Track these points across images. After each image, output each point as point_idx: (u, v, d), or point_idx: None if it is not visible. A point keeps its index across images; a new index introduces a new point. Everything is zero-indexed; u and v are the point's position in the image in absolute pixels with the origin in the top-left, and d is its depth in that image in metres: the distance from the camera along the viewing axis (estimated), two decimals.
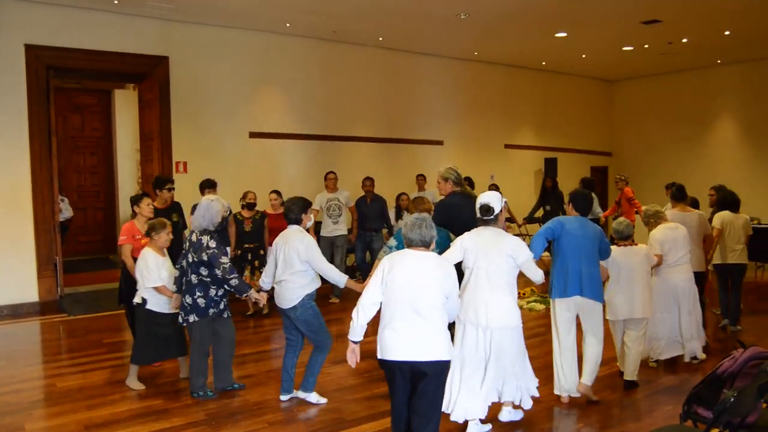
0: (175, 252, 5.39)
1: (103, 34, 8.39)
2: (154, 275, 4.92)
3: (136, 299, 5.04)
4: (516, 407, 4.32)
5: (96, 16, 8.32)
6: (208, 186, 7.31)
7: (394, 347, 3.25)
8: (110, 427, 4.30)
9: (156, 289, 4.95)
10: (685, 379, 5.11)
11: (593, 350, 4.61)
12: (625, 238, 5.06)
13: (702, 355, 5.63)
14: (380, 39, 10.55)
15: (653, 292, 5.25)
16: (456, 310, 3.54)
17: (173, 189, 6.51)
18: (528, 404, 4.27)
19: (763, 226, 10.26)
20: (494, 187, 9.89)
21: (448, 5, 8.64)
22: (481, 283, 4.01)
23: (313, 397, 4.70)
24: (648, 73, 14.26)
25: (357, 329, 3.40)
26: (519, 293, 8.37)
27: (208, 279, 4.63)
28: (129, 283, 5.40)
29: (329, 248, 8.44)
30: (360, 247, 8.74)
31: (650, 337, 5.39)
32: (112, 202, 10.92)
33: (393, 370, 3.30)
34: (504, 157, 13.12)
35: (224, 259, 4.55)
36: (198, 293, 4.64)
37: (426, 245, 3.41)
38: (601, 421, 4.35)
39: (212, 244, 4.56)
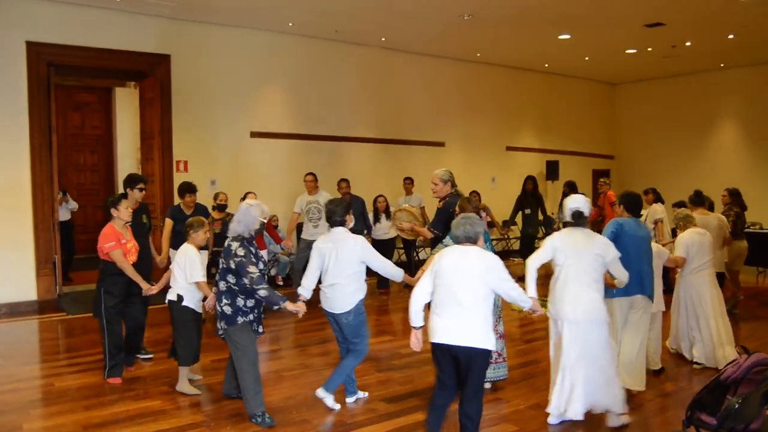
0: (145, 257, 5.69)
1: (105, 32, 8.37)
2: (199, 270, 4.79)
3: (170, 296, 4.88)
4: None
5: (98, 14, 8.30)
6: (188, 191, 6.86)
7: (439, 332, 3.61)
8: (108, 428, 4.27)
9: (198, 284, 4.82)
10: (688, 385, 5.08)
11: (637, 349, 4.83)
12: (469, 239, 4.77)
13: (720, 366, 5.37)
14: (382, 39, 10.53)
15: (675, 294, 5.63)
16: (516, 298, 3.80)
17: (144, 189, 6.00)
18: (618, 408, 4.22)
19: (764, 231, 10.24)
20: (568, 190, 9.67)
21: (451, 6, 8.61)
22: (571, 280, 4.21)
23: (330, 400, 4.59)
24: (651, 77, 14.24)
25: (413, 317, 3.78)
26: None
27: (237, 288, 4.31)
28: (115, 290, 5.20)
29: (308, 251, 8.12)
30: None
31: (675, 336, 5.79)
32: None
33: (438, 352, 3.67)
34: (505, 159, 13.09)
35: (252, 269, 4.22)
36: (225, 301, 4.34)
37: (472, 241, 3.72)
38: (602, 428, 4.31)
39: (240, 251, 4.23)
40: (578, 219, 4.31)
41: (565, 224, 4.39)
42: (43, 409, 4.66)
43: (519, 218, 10.30)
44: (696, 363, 5.60)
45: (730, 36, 10.38)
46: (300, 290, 4.57)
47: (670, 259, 5.56)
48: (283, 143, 10.06)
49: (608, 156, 15.25)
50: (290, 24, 9.45)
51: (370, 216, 9.09)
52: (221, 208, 7.50)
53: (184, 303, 4.86)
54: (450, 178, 5.34)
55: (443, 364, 3.67)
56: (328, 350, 6.11)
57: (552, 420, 4.29)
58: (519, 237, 12.36)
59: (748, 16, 9.15)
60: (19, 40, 7.83)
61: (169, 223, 6.75)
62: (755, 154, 12.94)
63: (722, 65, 12.93)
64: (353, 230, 8.07)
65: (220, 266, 4.38)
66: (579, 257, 4.20)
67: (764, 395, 3.18)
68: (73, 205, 9.12)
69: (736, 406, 3.12)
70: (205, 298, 4.87)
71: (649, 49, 11.29)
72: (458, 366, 3.62)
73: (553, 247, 4.30)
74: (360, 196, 8.69)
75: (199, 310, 4.95)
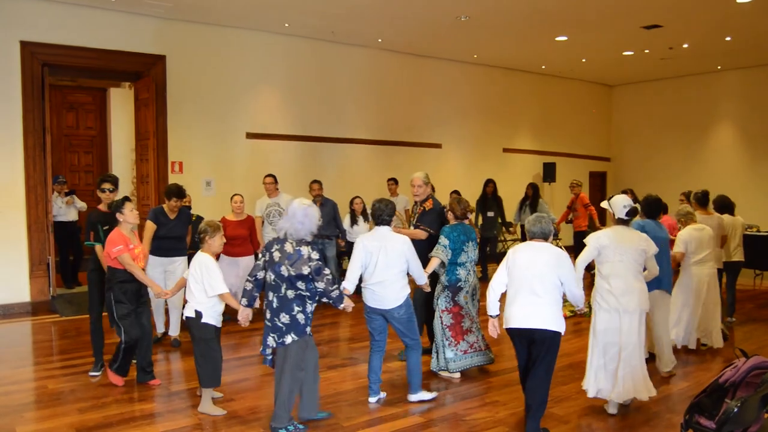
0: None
1: (100, 32, 8.33)
2: (220, 282, 4.44)
3: (188, 312, 4.50)
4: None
5: (93, 14, 8.26)
6: (176, 195, 6.12)
7: (514, 318, 4.04)
8: (102, 431, 4.23)
9: (222, 297, 4.48)
10: (686, 388, 5.06)
11: (665, 339, 5.31)
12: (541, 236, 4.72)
13: (720, 344, 6.19)
14: (379, 40, 10.51)
15: (677, 286, 5.96)
16: (578, 297, 4.18)
17: (113, 191, 5.61)
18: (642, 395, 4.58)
19: (761, 233, 10.23)
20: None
21: (448, 7, 8.59)
22: (618, 272, 4.53)
23: (426, 394, 4.77)
24: (648, 78, 14.25)
25: (490, 306, 4.20)
26: None
27: (306, 293, 4.15)
28: (125, 297, 4.99)
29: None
30: None
31: (679, 324, 6.07)
32: None
33: (514, 336, 4.13)
34: (502, 161, 13.08)
35: (327, 271, 4.20)
36: (297, 308, 4.12)
37: (545, 237, 4.17)
38: (601, 429, 4.29)
39: (315, 255, 4.13)
40: (631, 215, 4.67)
41: (618, 221, 4.71)
42: (36, 411, 4.62)
43: (479, 221, 10.23)
44: (703, 345, 6.19)
45: (728, 38, 10.39)
46: (345, 284, 4.62)
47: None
48: (279, 144, 10.03)
49: (605, 158, 15.25)
50: (286, 25, 9.41)
51: (348, 218, 8.77)
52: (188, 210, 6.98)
53: (204, 320, 4.48)
54: (429, 180, 5.71)
55: (519, 346, 4.15)
56: (324, 352, 6.08)
57: (612, 407, 4.58)
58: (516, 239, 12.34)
59: (746, 19, 9.15)
60: (13, 39, 7.78)
61: (150, 226, 6.02)
62: (752, 157, 12.95)
63: (719, 67, 12.94)
64: (324, 235, 7.92)
65: (281, 273, 4.08)
66: (623, 252, 4.55)
67: (763, 399, 3.16)
68: (81, 205, 9.01)
69: (735, 409, 3.10)
70: (227, 311, 4.59)
71: (646, 51, 11.30)
72: (531, 347, 4.07)
73: (599, 245, 4.61)
74: (331, 199, 8.38)
75: (219, 325, 4.59)
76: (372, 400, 4.75)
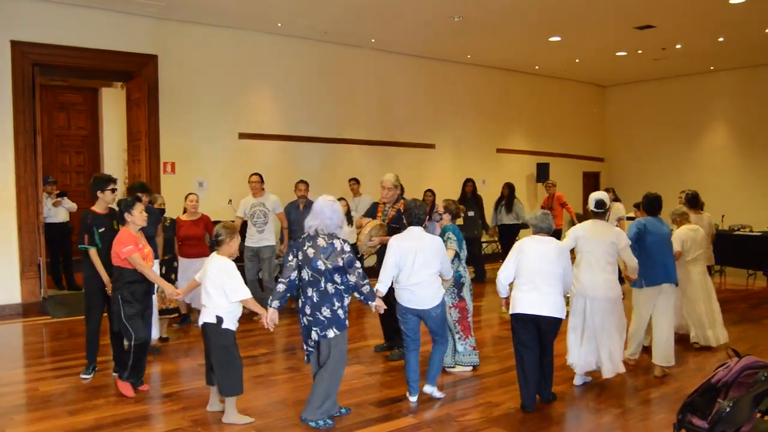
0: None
1: (91, 32, 8.28)
2: (243, 286, 4.32)
3: (208, 318, 4.31)
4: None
5: (84, 13, 8.22)
6: (141, 190, 5.89)
7: (521, 304, 4.52)
8: None
9: (246, 302, 4.34)
10: (679, 388, 5.06)
11: (666, 331, 5.42)
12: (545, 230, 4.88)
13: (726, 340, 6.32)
14: (372, 40, 10.50)
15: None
16: (570, 283, 4.72)
17: (116, 190, 5.44)
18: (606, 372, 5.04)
19: (754, 234, 10.28)
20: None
21: (441, 7, 8.59)
22: (589, 264, 4.97)
23: (437, 391, 4.83)
24: (641, 79, 14.30)
25: (501, 290, 4.76)
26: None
27: (342, 287, 4.23)
28: (134, 298, 4.84)
29: (254, 260, 7.61)
30: None
31: (681, 315, 6.29)
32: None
33: (519, 320, 4.56)
34: (496, 161, 13.09)
35: (358, 264, 4.28)
36: (336, 303, 4.20)
37: (549, 232, 4.65)
38: (593, 430, 4.29)
39: (347, 247, 4.25)
40: (599, 207, 5.08)
41: (592, 214, 5.11)
42: (26, 414, 4.58)
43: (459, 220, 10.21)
44: (695, 343, 6.34)
45: (720, 39, 10.42)
46: (379, 286, 4.63)
47: None
48: (272, 145, 10.00)
49: (598, 158, 15.29)
50: (279, 24, 9.39)
51: None
52: (161, 212, 6.72)
53: (225, 325, 4.31)
54: (399, 182, 5.85)
55: (526, 330, 4.56)
56: None
57: (578, 374, 5.10)
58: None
59: (738, 19, 9.18)
60: (4, 39, 7.72)
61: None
62: (744, 157, 13.01)
63: (712, 68, 12.99)
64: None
65: (318, 268, 4.16)
66: (595, 245, 4.95)
67: (755, 398, 3.16)
68: (71, 206, 8.94)
69: (727, 409, 3.10)
70: (245, 314, 4.49)
71: (639, 51, 11.33)
72: (537, 330, 4.52)
73: (575, 236, 5.07)
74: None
75: (235, 330, 4.45)
76: (412, 399, 4.76)
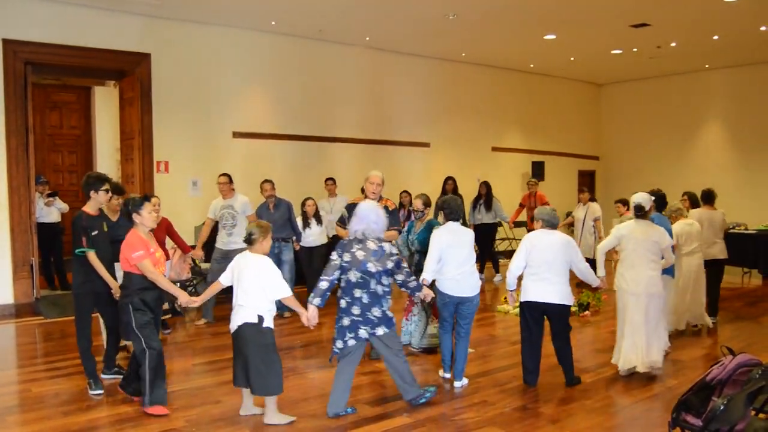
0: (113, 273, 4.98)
1: (84, 30, 8.23)
2: (284, 284, 4.28)
3: (248, 318, 4.20)
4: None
5: (76, 11, 8.16)
6: (117, 192, 5.70)
7: (530, 293, 4.94)
8: None
9: (288, 299, 4.33)
10: (674, 386, 5.06)
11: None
12: (552, 225, 5.18)
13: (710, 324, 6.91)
14: (367, 39, 10.47)
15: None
16: (584, 272, 5.04)
17: (110, 191, 5.18)
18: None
19: (749, 232, 10.30)
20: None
21: (436, 5, 8.57)
22: (635, 261, 5.24)
23: (464, 380, 5.10)
24: (636, 77, 14.31)
25: (510, 282, 5.17)
26: (506, 297, 8.34)
27: (387, 288, 4.44)
28: (145, 306, 4.53)
29: (223, 262, 6.93)
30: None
31: (672, 310, 6.39)
32: None
33: (528, 308, 4.98)
34: (491, 159, 13.07)
35: (405, 263, 4.57)
36: (385, 304, 4.40)
37: (554, 226, 5.03)
38: (588, 429, 4.28)
39: (394, 250, 4.46)
40: (638, 211, 5.33)
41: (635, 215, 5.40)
42: (19, 415, 4.55)
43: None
44: (694, 326, 6.82)
45: (715, 37, 10.43)
46: (425, 275, 4.93)
47: None
48: (266, 144, 9.96)
49: (593, 157, 15.30)
50: (273, 23, 9.35)
51: (299, 221, 7.93)
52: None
53: (265, 324, 4.23)
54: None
55: (533, 316, 4.98)
56: (312, 353, 6.04)
57: (622, 372, 5.30)
58: (506, 238, 12.35)
59: (733, 17, 9.19)
60: None
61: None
62: (740, 155, 13.03)
63: (707, 66, 13.01)
64: (286, 237, 7.53)
65: (369, 270, 4.31)
66: (638, 243, 5.22)
67: (749, 396, 3.16)
68: (62, 206, 8.88)
69: (722, 407, 3.10)
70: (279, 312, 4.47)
71: (635, 49, 11.33)
72: (545, 316, 4.95)
73: (619, 236, 5.35)
74: (287, 199, 7.77)
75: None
76: (446, 375, 5.22)
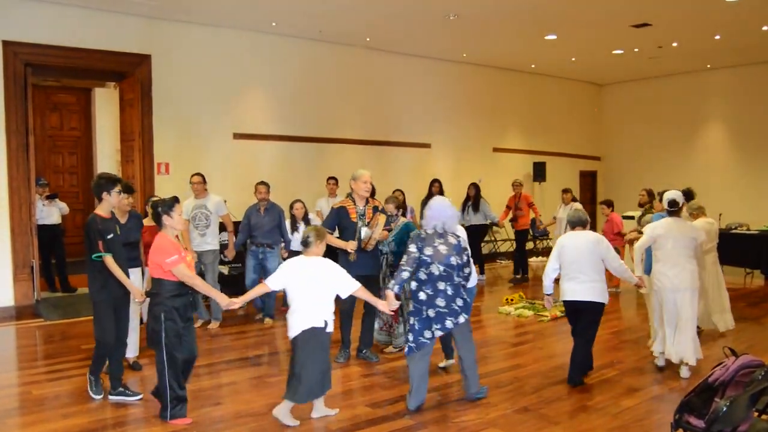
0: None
1: (84, 31, 8.23)
2: (352, 279, 4.40)
3: (316, 323, 4.19)
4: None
5: (76, 13, 8.16)
6: (127, 191, 5.47)
7: (565, 294, 5.11)
8: None
9: (357, 292, 4.45)
10: (676, 388, 5.05)
11: None
12: (580, 224, 5.33)
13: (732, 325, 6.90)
14: (367, 39, 10.46)
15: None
16: (619, 269, 5.14)
17: (122, 192, 5.03)
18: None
19: (751, 232, 10.26)
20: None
21: (436, 6, 8.56)
22: (671, 257, 5.32)
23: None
24: (637, 77, 14.29)
25: (546, 285, 5.28)
26: (507, 299, 8.34)
27: (465, 279, 4.74)
28: (177, 314, 4.33)
29: (196, 266, 6.69)
30: (252, 266, 7.32)
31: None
32: (91, 203, 10.59)
33: (566, 308, 5.25)
34: (492, 160, 13.06)
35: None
36: (463, 293, 4.69)
37: (584, 225, 5.20)
38: (590, 430, 4.26)
39: (466, 244, 4.79)
40: (672, 206, 5.44)
41: (667, 212, 5.53)
42: (20, 417, 4.53)
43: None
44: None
45: (717, 37, 10.41)
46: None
47: None
48: (266, 145, 9.95)
49: (595, 157, 15.28)
50: (273, 24, 9.35)
51: (287, 224, 7.63)
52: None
53: (329, 329, 4.27)
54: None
55: (573, 316, 5.18)
56: None
57: (659, 363, 5.54)
58: (505, 239, 12.34)
59: (735, 17, 9.17)
60: None
61: None
62: (741, 155, 13.01)
63: (709, 66, 12.99)
64: (273, 243, 7.36)
65: (452, 263, 4.56)
66: (675, 240, 5.32)
67: (752, 397, 3.15)
68: (62, 205, 8.85)
69: (724, 408, 3.09)
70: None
71: (636, 49, 11.31)
72: (579, 315, 5.10)
73: (654, 235, 5.41)
74: (277, 203, 7.57)
75: None
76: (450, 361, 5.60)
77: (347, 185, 9.16)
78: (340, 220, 5.76)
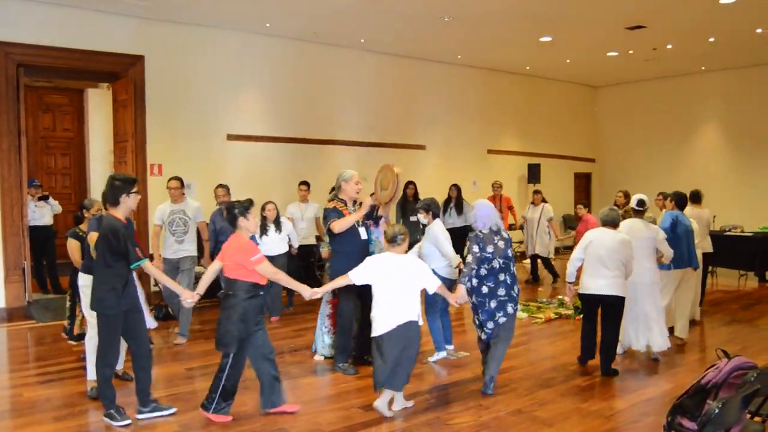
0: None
1: (77, 32, 8.18)
2: (434, 275, 4.79)
3: (413, 317, 4.42)
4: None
5: (69, 13, 8.11)
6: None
7: (587, 286, 5.39)
8: None
9: (441, 286, 4.79)
10: (669, 390, 5.04)
11: (689, 307, 6.65)
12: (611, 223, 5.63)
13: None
14: (362, 41, 10.44)
15: None
16: (632, 271, 5.44)
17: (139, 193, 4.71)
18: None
19: (745, 234, 10.29)
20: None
21: (431, 8, 8.55)
22: (636, 256, 5.57)
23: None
24: (632, 80, 14.32)
25: (569, 275, 5.56)
26: None
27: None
28: (250, 315, 4.29)
29: (173, 273, 6.47)
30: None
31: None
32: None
33: (586, 300, 5.48)
34: (487, 162, 13.06)
35: (511, 251, 5.08)
36: (515, 285, 5.02)
37: (615, 225, 5.48)
38: None
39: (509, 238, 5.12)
40: (641, 206, 5.96)
41: (633, 212, 6.05)
42: (11, 420, 4.50)
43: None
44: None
45: (711, 39, 10.43)
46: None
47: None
48: (260, 146, 9.92)
49: (590, 159, 15.30)
50: (268, 25, 9.32)
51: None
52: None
53: (420, 322, 4.57)
54: None
55: (589, 307, 5.49)
56: (305, 358, 5.99)
57: (618, 351, 5.73)
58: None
59: (729, 19, 9.19)
60: None
61: (93, 236, 4.84)
62: (736, 157, 13.03)
63: (703, 68, 13.02)
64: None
65: (509, 257, 4.98)
66: (636, 240, 5.60)
67: (744, 399, 3.14)
68: (54, 203, 8.78)
69: (717, 410, 3.07)
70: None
71: (631, 51, 11.33)
72: (601, 307, 5.39)
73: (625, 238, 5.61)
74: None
75: None
76: (441, 353, 5.94)
77: (321, 188, 8.96)
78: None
